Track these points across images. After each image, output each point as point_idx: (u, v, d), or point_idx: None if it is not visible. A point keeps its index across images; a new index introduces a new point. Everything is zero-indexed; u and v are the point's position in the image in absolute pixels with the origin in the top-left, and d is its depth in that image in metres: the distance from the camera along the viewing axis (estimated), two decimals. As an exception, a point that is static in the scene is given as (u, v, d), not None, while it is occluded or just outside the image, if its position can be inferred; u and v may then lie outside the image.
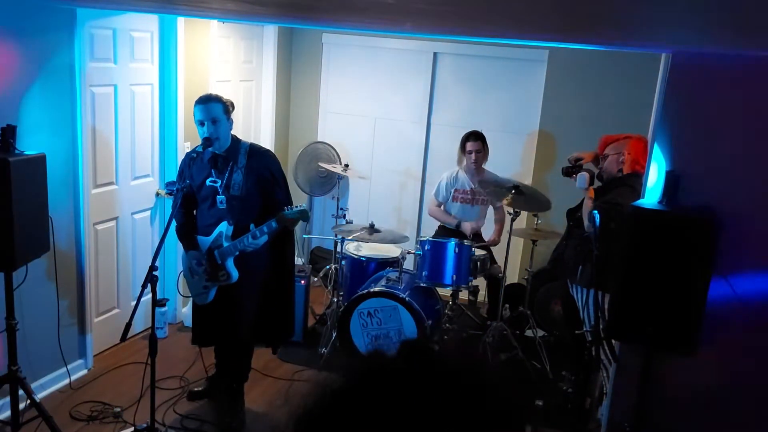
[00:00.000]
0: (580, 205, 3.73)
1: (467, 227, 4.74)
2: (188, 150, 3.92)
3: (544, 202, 4.42)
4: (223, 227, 3.39)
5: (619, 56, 4.67)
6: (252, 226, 3.33)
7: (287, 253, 3.71)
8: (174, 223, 3.30)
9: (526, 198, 4.30)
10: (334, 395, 0.75)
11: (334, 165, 5.31)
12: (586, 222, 3.52)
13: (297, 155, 5.60)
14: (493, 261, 4.72)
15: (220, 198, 3.40)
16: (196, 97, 3.39)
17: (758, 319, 2.69)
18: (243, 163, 3.41)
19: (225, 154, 3.40)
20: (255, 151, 3.48)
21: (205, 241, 3.45)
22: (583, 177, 3.61)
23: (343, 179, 5.36)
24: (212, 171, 3.42)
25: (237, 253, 3.38)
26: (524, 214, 5.03)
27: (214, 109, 3.30)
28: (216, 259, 3.41)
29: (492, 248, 4.82)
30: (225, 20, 4.78)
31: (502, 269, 4.45)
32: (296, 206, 3.32)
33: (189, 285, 3.61)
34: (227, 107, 3.37)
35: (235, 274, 3.42)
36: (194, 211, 3.56)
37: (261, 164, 3.45)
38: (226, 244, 3.38)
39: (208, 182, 3.43)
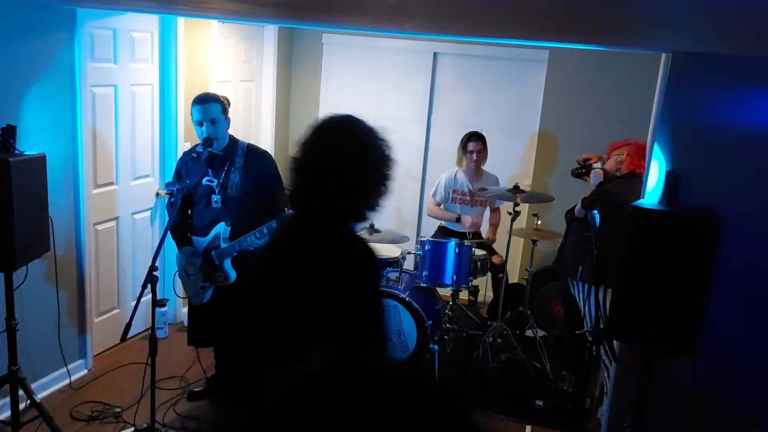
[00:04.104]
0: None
1: (467, 220, 4.74)
2: (186, 149, 3.91)
3: (546, 196, 4.43)
4: (221, 228, 3.38)
5: (619, 56, 4.67)
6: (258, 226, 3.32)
7: None
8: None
9: (528, 195, 4.33)
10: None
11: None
12: (578, 206, 3.59)
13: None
14: (493, 252, 4.73)
15: (216, 198, 3.40)
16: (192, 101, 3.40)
17: (758, 319, 2.69)
18: (240, 164, 3.40)
19: (222, 153, 3.40)
20: (253, 151, 3.48)
21: (201, 242, 3.45)
22: (597, 174, 3.67)
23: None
24: (209, 170, 3.42)
25: (235, 253, 3.37)
26: (524, 214, 5.03)
27: (212, 110, 3.30)
28: (213, 260, 3.41)
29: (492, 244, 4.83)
30: (225, 20, 4.78)
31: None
32: None
33: (185, 286, 3.60)
34: (225, 107, 3.37)
35: (232, 276, 3.41)
36: (188, 211, 3.56)
37: (258, 165, 3.45)
38: (224, 245, 3.38)
39: (204, 181, 3.42)
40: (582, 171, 3.77)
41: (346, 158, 1.71)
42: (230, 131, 3.46)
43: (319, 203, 1.75)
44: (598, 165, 3.80)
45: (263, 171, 3.46)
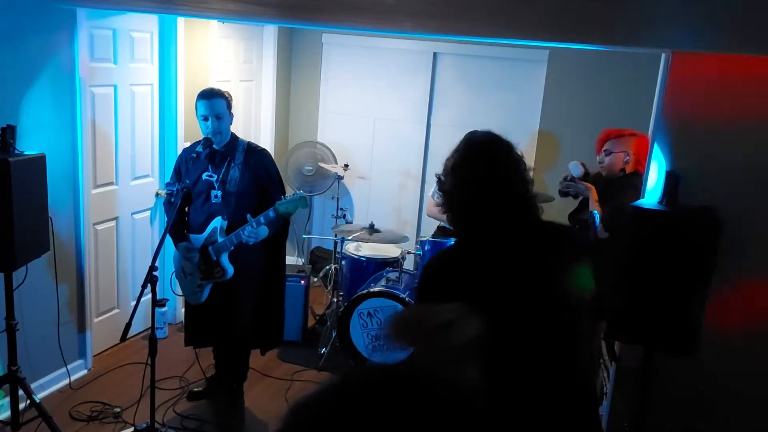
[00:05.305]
0: (579, 208, 3.71)
1: None
2: (185, 147, 3.89)
3: (546, 196, 4.43)
4: (218, 222, 3.39)
5: (619, 56, 4.67)
6: (249, 216, 3.31)
7: (280, 254, 3.71)
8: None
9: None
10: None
11: (333, 165, 5.31)
12: (600, 228, 3.37)
13: (286, 156, 5.61)
14: None
15: (215, 193, 3.41)
16: (196, 96, 3.40)
17: (758, 319, 2.69)
18: (240, 160, 3.42)
19: (223, 149, 3.42)
20: (252, 149, 3.50)
21: (198, 238, 3.45)
22: (576, 166, 3.58)
23: (342, 179, 5.35)
24: (209, 166, 3.43)
25: (232, 248, 3.38)
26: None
27: (218, 105, 3.32)
28: (211, 256, 3.41)
29: None
30: (225, 20, 4.78)
31: None
32: (294, 193, 3.33)
33: (181, 285, 3.60)
34: (230, 102, 3.39)
35: (230, 270, 3.42)
36: (186, 208, 3.56)
37: (258, 163, 3.47)
38: (221, 240, 3.38)
39: (204, 176, 3.43)
40: (568, 188, 3.67)
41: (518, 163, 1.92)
42: (231, 126, 3.47)
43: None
44: (577, 165, 3.65)
45: (262, 168, 3.48)
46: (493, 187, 1.85)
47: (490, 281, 1.79)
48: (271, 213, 3.26)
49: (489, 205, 1.84)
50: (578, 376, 1.88)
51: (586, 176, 3.64)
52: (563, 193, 3.73)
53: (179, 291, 3.67)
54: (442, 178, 1.98)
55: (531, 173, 1.95)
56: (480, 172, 1.89)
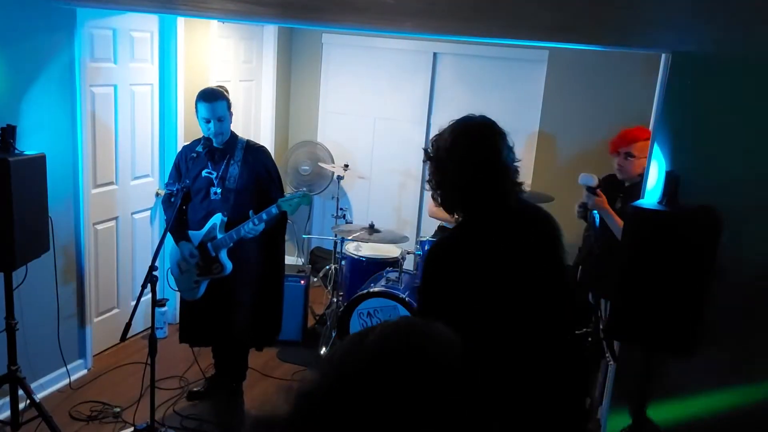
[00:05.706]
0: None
1: None
2: (185, 144, 3.87)
3: (546, 196, 4.43)
4: (217, 219, 3.40)
5: (619, 56, 4.67)
6: (251, 213, 3.32)
7: (279, 250, 3.72)
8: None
9: (527, 195, 4.30)
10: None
11: (331, 165, 5.32)
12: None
13: (285, 156, 5.60)
14: None
15: (215, 189, 3.42)
16: (197, 96, 3.40)
17: (758, 319, 2.69)
18: (240, 157, 3.44)
19: (223, 146, 3.43)
20: (251, 146, 3.52)
21: (197, 235, 3.46)
22: (589, 177, 3.37)
23: (342, 179, 5.35)
24: (208, 163, 3.45)
25: (231, 244, 3.39)
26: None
27: (220, 108, 3.33)
28: (209, 252, 3.42)
29: None
30: (225, 20, 4.78)
31: None
32: (297, 191, 3.34)
33: (177, 281, 3.60)
34: (230, 102, 3.40)
35: (228, 266, 3.42)
36: (184, 206, 3.57)
37: (257, 160, 3.48)
38: (220, 236, 3.39)
39: (203, 173, 3.44)
40: (585, 211, 3.50)
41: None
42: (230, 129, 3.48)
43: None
44: (588, 179, 3.46)
45: (261, 165, 3.49)
46: (489, 170, 1.98)
47: (493, 265, 1.87)
48: (273, 209, 3.28)
49: (482, 186, 1.96)
50: (565, 367, 1.92)
51: (597, 184, 3.54)
52: (585, 216, 3.52)
53: (175, 286, 3.67)
54: (431, 153, 2.08)
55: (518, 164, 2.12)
56: (478, 154, 2.00)
